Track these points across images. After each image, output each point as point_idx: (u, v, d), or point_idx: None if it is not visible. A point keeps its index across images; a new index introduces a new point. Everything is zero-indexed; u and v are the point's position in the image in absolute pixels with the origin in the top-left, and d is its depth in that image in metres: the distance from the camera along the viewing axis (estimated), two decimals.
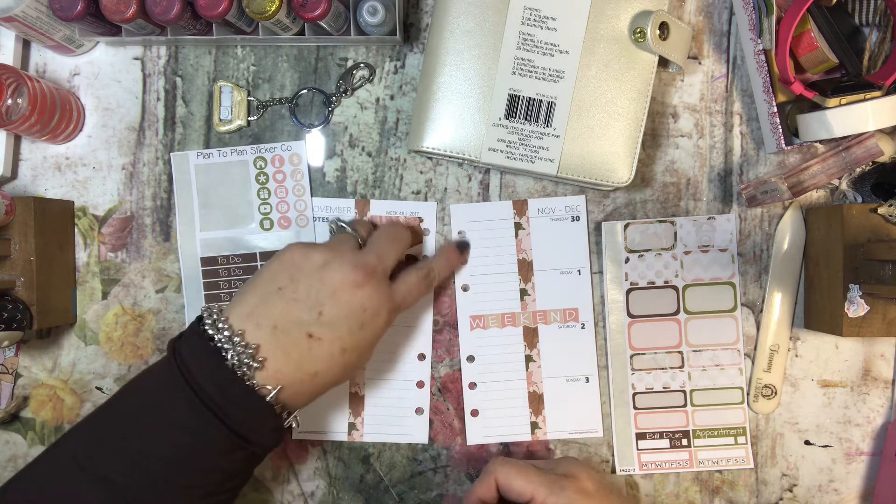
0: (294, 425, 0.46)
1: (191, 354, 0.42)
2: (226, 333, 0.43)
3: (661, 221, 0.56)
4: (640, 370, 0.57)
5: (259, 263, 0.57)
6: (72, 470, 0.41)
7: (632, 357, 0.57)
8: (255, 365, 0.42)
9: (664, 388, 0.57)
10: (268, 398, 0.42)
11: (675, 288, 0.57)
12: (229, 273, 0.57)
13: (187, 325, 0.45)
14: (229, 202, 0.57)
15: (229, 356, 0.42)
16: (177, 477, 0.41)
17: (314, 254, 0.46)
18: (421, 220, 0.57)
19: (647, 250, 0.57)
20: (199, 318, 0.44)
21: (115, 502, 0.40)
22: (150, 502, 0.41)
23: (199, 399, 0.41)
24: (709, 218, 0.56)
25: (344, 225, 0.50)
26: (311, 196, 0.57)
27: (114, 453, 0.41)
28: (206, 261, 0.57)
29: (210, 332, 0.43)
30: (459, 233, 0.57)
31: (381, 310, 0.46)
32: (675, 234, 0.56)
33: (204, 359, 0.42)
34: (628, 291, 0.57)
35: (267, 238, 0.57)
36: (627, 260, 0.57)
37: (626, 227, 0.56)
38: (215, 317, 0.44)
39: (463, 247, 0.56)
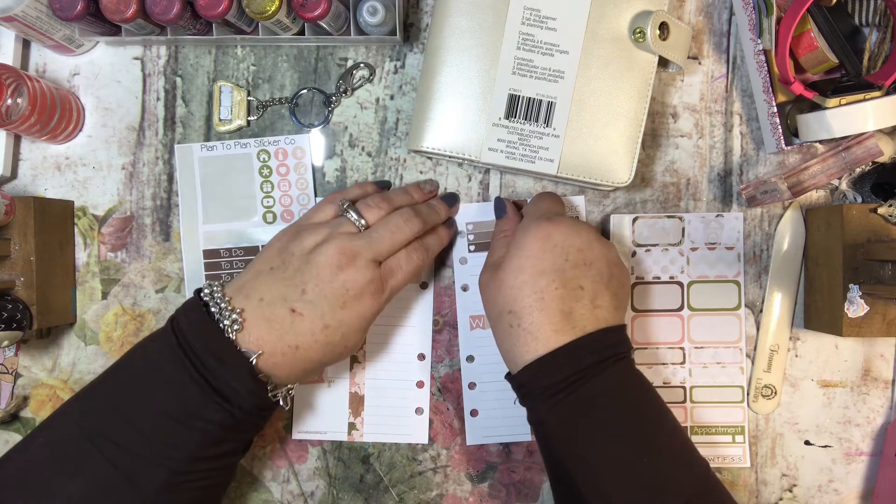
0: (280, 402, 0.47)
1: (185, 318, 0.46)
2: (217, 299, 0.46)
3: (669, 217, 0.56)
4: (642, 365, 0.57)
5: None
6: (70, 429, 0.44)
7: (633, 351, 0.57)
8: (237, 328, 0.45)
9: (664, 383, 0.57)
10: (250, 360, 0.44)
11: (679, 284, 0.57)
12: (231, 266, 0.57)
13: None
14: (232, 195, 0.57)
15: (217, 318, 0.45)
16: (161, 434, 0.43)
17: (308, 238, 0.48)
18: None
19: (654, 245, 0.57)
20: (199, 290, 0.47)
21: (107, 459, 0.42)
22: (138, 458, 0.43)
23: (186, 356, 0.44)
24: (717, 215, 0.56)
25: (348, 209, 0.50)
26: (315, 193, 0.57)
27: (108, 411, 0.44)
28: (208, 253, 0.57)
29: (205, 299, 0.46)
30: (467, 224, 0.57)
31: (363, 291, 0.47)
32: (683, 230, 0.57)
33: (195, 320, 0.45)
34: (633, 286, 0.57)
35: (270, 231, 0.57)
36: (634, 254, 0.57)
37: (634, 220, 0.56)
38: (214, 287, 0.47)
39: (451, 201, 0.56)
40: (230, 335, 0.44)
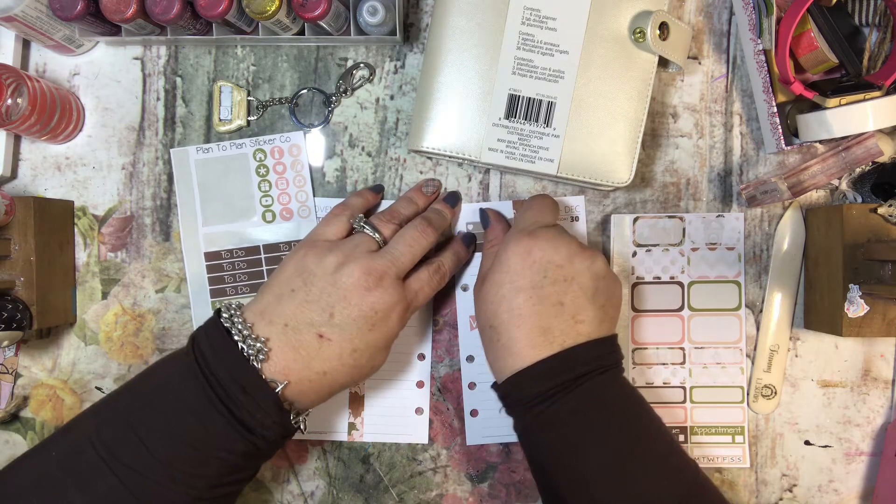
0: (301, 428, 0.47)
1: (207, 343, 0.44)
2: (238, 326, 0.44)
3: (669, 217, 0.56)
4: (642, 365, 0.57)
5: (263, 256, 0.57)
6: (83, 444, 0.43)
7: (633, 351, 0.57)
8: (262, 357, 0.44)
9: (664, 383, 0.57)
10: (276, 390, 0.43)
11: (680, 284, 0.57)
12: (234, 267, 0.57)
13: (205, 320, 0.47)
14: (231, 196, 0.57)
15: (241, 346, 0.44)
16: (179, 461, 0.42)
17: (328, 257, 0.47)
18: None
19: (654, 245, 0.57)
20: (218, 312, 0.46)
21: (119, 480, 0.41)
22: (152, 483, 0.42)
23: (209, 384, 0.43)
24: (717, 216, 0.56)
25: (364, 225, 0.50)
26: (313, 192, 0.57)
27: (124, 431, 0.43)
28: (210, 255, 0.57)
29: (226, 324, 0.45)
30: (468, 224, 0.57)
31: (391, 312, 0.47)
32: (684, 230, 0.57)
33: (218, 347, 0.44)
34: (634, 285, 0.57)
35: (270, 230, 0.57)
36: (635, 254, 0.57)
37: (635, 220, 0.56)
38: (232, 311, 0.46)
39: (469, 240, 0.56)
40: (255, 364, 0.43)
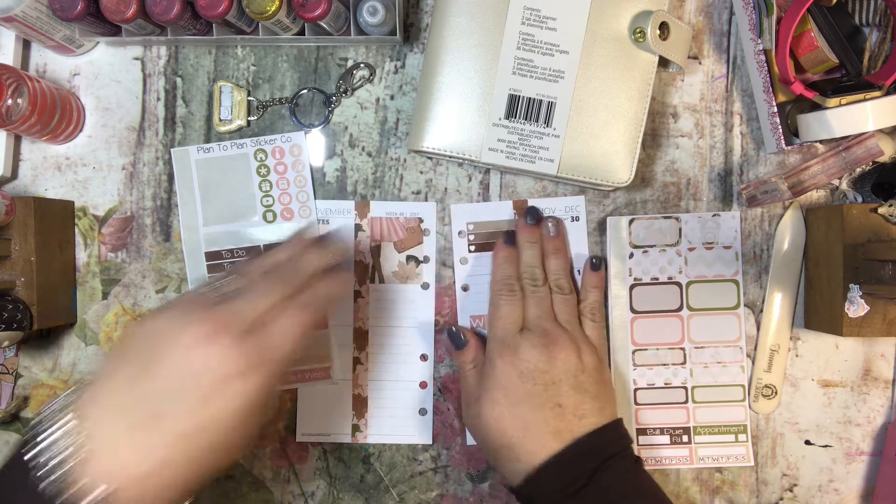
0: None
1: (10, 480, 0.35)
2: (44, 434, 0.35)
3: (665, 217, 0.56)
4: (642, 366, 0.57)
5: None
6: None
7: (634, 353, 0.57)
8: (77, 466, 0.34)
9: (665, 384, 0.57)
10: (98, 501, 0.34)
11: (678, 284, 0.57)
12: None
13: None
14: (231, 196, 0.57)
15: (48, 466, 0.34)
16: None
17: (157, 319, 0.38)
18: (421, 220, 0.57)
19: (651, 246, 0.57)
20: (22, 447, 0.36)
21: None
22: None
23: None
24: (713, 215, 0.56)
25: (213, 281, 0.42)
26: (314, 190, 0.57)
27: None
28: (210, 255, 0.57)
29: (29, 459, 0.35)
30: (468, 224, 0.57)
31: (229, 375, 0.36)
32: (680, 230, 0.57)
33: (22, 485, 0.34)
34: (632, 287, 0.57)
35: (271, 230, 0.57)
36: (632, 255, 0.57)
37: (630, 222, 0.56)
38: (37, 442, 0.35)
39: (335, 236, 0.52)
40: (65, 484, 0.33)
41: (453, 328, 0.54)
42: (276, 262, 0.44)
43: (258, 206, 0.57)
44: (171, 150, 0.57)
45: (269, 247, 0.57)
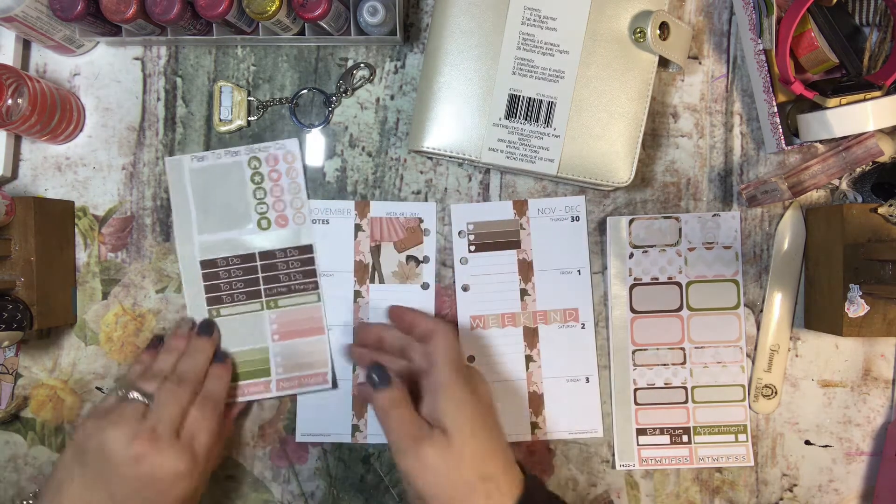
0: None
1: None
2: None
3: (665, 217, 0.57)
4: (642, 366, 0.57)
5: (258, 263, 0.56)
6: None
7: (634, 353, 0.57)
8: None
9: (665, 384, 0.57)
10: None
11: (678, 284, 0.57)
12: (230, 275, 0.57)
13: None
14: (226, 204, 0.57)
15: None
16: None
17: (99, 434, 0.45)
18: (421, 220, 0.57)
19: (651, 246, 0.57)
20: None
21: None
22: None
23: None
24: (713, 215, 0.56)
25: (129, 393, 0.49)
26: (308, 195, 0.57)
27: None
28: (205, 263, 0.57)
29: None
30: (468, 224, 0.57)
31: (175, 471, 0.45)
32: (680, 230, 0.57)
33: None
34: (632, 287, 0.57)
35: (266, 237, 0.57)
36: (632, 255, 0.57)
37: (630, 222, 0.56)
38: None
39: (209, 331, 0.55)
40: None
41: (373, 369, 0.48)
42: (170, 365, 0.52)
43: (253, 214, 0.57)
44: (166, 158, 0.57)
45: (265, 254, 0.56)
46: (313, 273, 0.56)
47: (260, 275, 0.57)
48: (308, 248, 0.56)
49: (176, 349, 0.54)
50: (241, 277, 0.57)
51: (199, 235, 0.56)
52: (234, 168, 0.56)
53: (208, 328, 0.55)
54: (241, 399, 0.56)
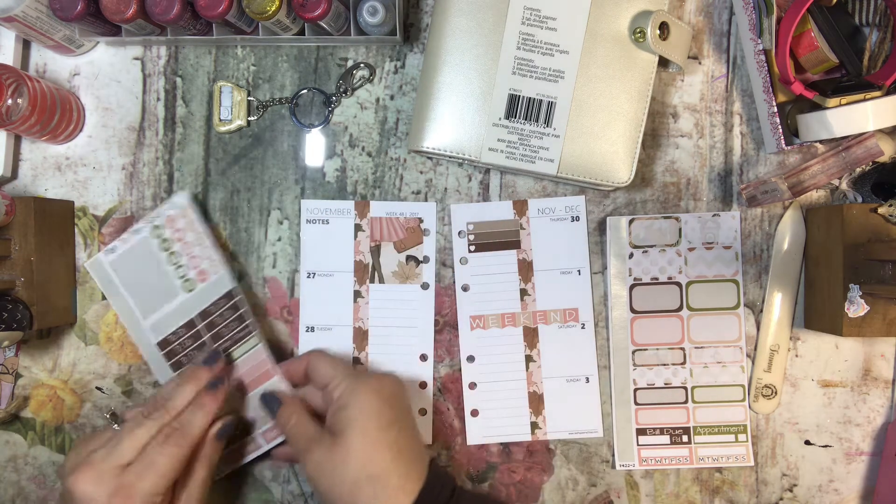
0: None
1: None
2: None
3: (665, 217, 0.57)
4: (642, 366, 0.57)
5: (200, 326, 0.55)
6: None
7: (634, 353, 0.57)
8: None
9: (665, 384, 0.57)
10: None
11: (678, 284, 0.57)
12: (183, 347, 0.55)
13: None
14: (152, 281, 0.55)
15: None
16: None
17: (66, 460, 0.47)
18: (421, 220, 0.57)
19: (651, 246, 0.57)
20: None
21: None
22: None
23: None
24: (713, 215, 0.56)
25: (113, 422, 0.49)
26: (210, 240, 0.55)
27: None
28: (162, 343, 0.55)
29: None
30: (468, 224, 0.57)
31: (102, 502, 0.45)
32: (680, 230, 0.57)
33: None
34: (632, 287, 0.57)
35: (196, 297, 0.55)
36: (632, 255, 0.57)
37: (630, 222, 0.56)
38: None
39: (212, 360, 0.52)
40: None
41: (267, 394, 0.52)
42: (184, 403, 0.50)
43: (176, 281, 0.55)
44: (85, 264, 0.56)
45: (203, 314, 0.55)
46: (243, 318, 0.55)
47: (206, 337, 0.55)
48: (230, 294, 0.55)
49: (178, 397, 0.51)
50: (193, 347, 0.55)
51: (145, 320, 0.55)
52: (142, 245, 0.55)
53: (212, 358, 0.53)
54: (243, 461, 0.55)
